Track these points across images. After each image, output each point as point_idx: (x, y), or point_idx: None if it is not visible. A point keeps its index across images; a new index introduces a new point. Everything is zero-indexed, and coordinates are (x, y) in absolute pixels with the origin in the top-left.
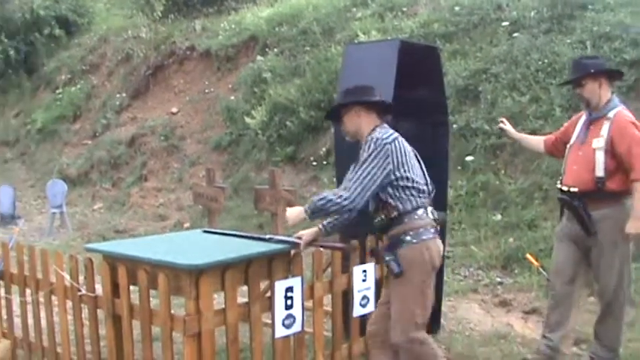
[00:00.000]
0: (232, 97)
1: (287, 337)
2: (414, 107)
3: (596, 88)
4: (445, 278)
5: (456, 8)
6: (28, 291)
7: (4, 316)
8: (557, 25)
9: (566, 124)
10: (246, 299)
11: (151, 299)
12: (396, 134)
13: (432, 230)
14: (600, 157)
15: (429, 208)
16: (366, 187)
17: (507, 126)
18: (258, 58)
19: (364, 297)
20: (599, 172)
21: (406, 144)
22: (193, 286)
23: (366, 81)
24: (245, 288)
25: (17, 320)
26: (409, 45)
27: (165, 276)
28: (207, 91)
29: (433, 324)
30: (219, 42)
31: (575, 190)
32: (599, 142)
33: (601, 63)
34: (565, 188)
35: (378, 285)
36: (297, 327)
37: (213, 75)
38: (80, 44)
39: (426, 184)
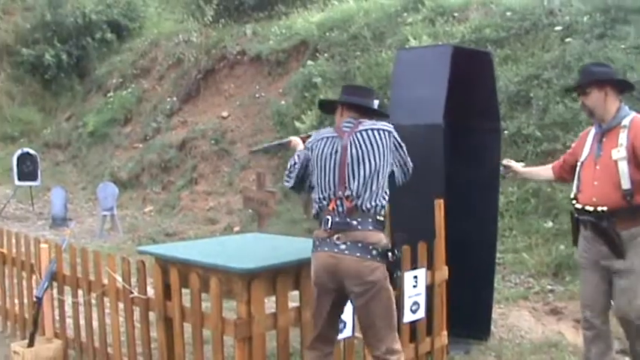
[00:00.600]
0: (283, 102)
1: (338, 341)
2: (465, 113)
3: (601, 97)
4: (495, 285)
5: (508, 13)
6: (80, 292)
7: (57, 317)
8: (610, 30)
9: (574, 145)
10: (297, 304)
11: (202, 302)
12: (320, 137)
13: (317, 242)
14: (624, 168)
15: (326, 218)
16: (290, 170)
17: (512, 163)
18: (309, 62)
19: (415, 303)
20: (626, 184)
21: (324, 147)
22: (245, 289)
23: (418, 86)
24: (296, 292)
25: (69, 321)
26: (461, 50)
27: (218, 279)
28: (257, 95)
29: (483, 331)
30: (269, 47)
31: (604, 209)
32: (619, 153)
33: (609, 72)
34: (590, 208)
35: (430, 291)
36: (347, 332)
37: (263, 79)
38: (131, 48)
39: (339, 191)
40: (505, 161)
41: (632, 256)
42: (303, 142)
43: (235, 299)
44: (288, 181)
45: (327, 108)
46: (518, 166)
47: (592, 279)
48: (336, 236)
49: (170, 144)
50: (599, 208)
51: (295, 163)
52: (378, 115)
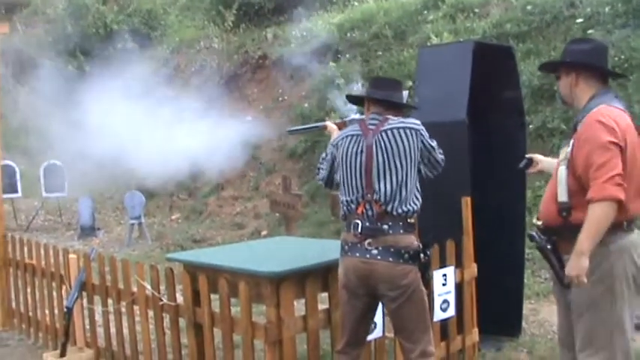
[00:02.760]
0: (306, 104)
1: (368, 342)
2: (490, 109)
3: (568, 84)
4: (525, 281)
5: (528, 7)
6: (110, 301)
7: (87, 326)
8: (633, 19)
9: None
10: (326, 305)
11: (231, 307)
12: (345, 135)
13: (347, 246)
14: (562, 175)
15: (355, 222)
16: (321, 165)
17: (537, 156)
18: (331, 64)
19: (444, 301)
20: (562, 195)
21: (349, 146)
22: (274, 293)
23: (441, 83)
24: (325, 294)
25: (100, 330)
26: (484, 46)
27: (246, 284)
28: (280, 99)
29: (514, 327)
30: (291, 50)
31: (540, 223)
32: (563, 153)
33: (588, 50)
34: (538, 222)
35: (459, 289)
36: (378, 332)
37: (286, 83)
38: (153, 57)
39: (367, 194)
40: (529, 155)
41: (576, 289)
42: (339, 128)
43: (264, 303)
44: (318, 174)
45: (356, 101)
46: (541, 157)
47: (560, 309)
48: (367, 241)
49: (195, 150)
50: (537, 222)
51: (326, 155)
52: (404, 108)
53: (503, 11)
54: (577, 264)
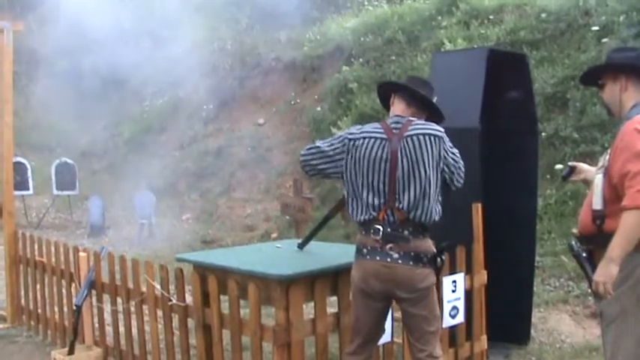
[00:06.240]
0: (318, 108)
1: (377, 347)
2: (503, 116)
3: (615, 90)
4: (535, 289)
5: (543, 15)
6: (119, 300)
7: (96, 325)
8: None
9: None
10: (335, 309)
11: (240, 309)
12: (366, 136)
13: (366, 249)
14: (599, 183)
15: (376, 227)
16: (315, 156)
17: (581, 165)
18: (344, 68)
19: (454, 307)
20: (597, 203)
21: (372, 149)
22: (283, 296)
23: (455, 90)
24: (334, 298)
25: (109, 329)
26: (498, 53)
27: (256, 286)
28: (293, 102)
29: (523, 335)
30: (304, 53)
31: (575, 231)
32: (601, 162)
33: (635, 56)
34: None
35: (469, 296)
36: (386, 337)
37: (298, 86)
38: (166, 57)
39: (390, 200)
40: (572, 163)
41: (605, 301)
42: None
43: (274, 305)
44: (307, 158)
45: (386, 99)
46: (586, 167)
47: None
48: (388, 246)
49: (206, 151)
50: (574, 231)
51: (332, 147)
52: (437, 118)
53: (518, 18)
54: (605, 270)
